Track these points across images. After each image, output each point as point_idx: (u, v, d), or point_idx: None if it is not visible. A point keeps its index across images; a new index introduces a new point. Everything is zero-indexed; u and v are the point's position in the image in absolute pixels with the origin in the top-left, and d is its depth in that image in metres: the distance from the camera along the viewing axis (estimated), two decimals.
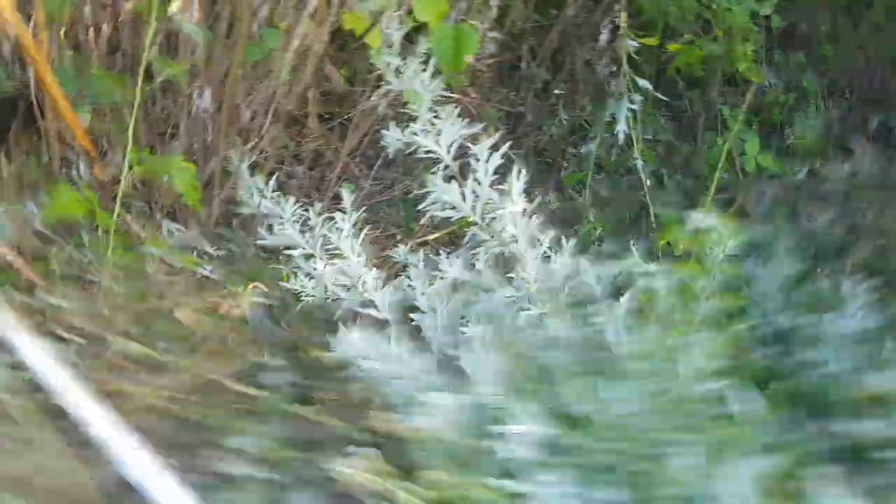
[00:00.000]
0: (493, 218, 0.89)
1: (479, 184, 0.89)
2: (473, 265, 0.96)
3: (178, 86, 1.25)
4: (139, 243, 1.17)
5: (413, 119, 0.97)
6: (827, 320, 0.88)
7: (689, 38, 1.91)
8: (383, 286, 0.98)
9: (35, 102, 1.08)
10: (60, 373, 0.95)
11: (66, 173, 1.19)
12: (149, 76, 1.15)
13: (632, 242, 1.13)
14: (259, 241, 1.10)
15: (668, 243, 1.70)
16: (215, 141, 1.28)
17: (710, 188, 1.73)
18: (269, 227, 1.14)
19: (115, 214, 0.93)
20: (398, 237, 1.68)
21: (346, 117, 1.75)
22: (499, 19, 1.75)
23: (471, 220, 0.92)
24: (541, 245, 0.90)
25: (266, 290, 1.32)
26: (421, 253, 1.24)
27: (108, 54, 1.08)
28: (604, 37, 1.77)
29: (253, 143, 1.30)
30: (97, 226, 1.24)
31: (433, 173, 0.92)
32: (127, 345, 1.10)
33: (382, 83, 1.53)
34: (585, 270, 0.89)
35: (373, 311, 0.92)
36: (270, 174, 1.59)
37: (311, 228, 1.07)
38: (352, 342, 0.92)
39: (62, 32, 0.98)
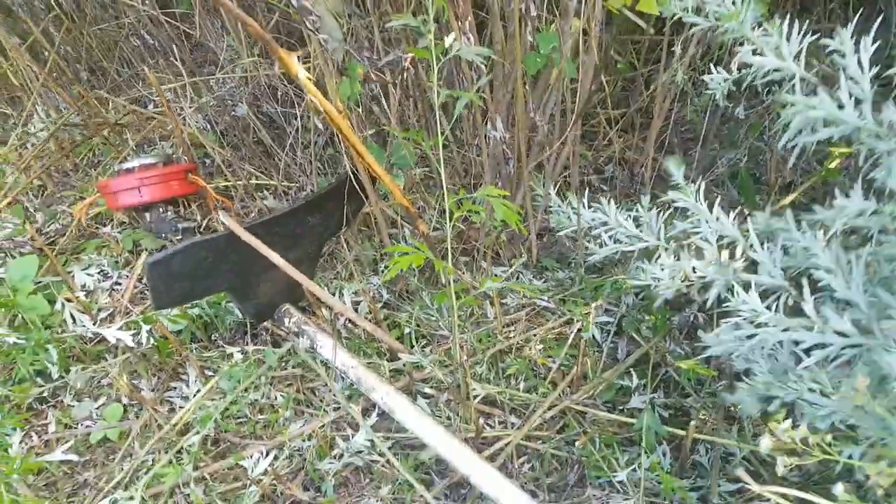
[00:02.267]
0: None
1: (857, 82, 0.63)
2: (879, 193, 0.69)
3: (469, 129, 1.22)
4: (474, 289, 1.13)
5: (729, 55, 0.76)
6: None
7: None
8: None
9: (356, 185, 1.14)
10: (433, 429, 0.92)
11: (394, 244, 1.22)
12: (445, 117, 1.13)
13: None
14: (589, 257, 0.97)
15: None
16: (517, 171, 1.21)
17: None
18: (596, 239, 1.00)
19: (450, 259, 0.89)
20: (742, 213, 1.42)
21: (637, 112, 1.57)
22: None
23: (856, 139, 0.67)
24: None
25: (607, 306, 1.18)
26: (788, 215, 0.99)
27: (399, 119, 1.09)
28: None
29: (555, 157, 1.20)
30: (432, 280, 1.25)
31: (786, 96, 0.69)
32: (486, 390, 1.05)
33: (675, 49, 1.33)
34: None
35: (755, 278, 0.70)
36: (581, 185, 1.48)
37: (643, 224, 0.91)
38: (723, 340, 0.72)
39: (361, 112, 1.00)
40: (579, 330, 1.14)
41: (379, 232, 1.25)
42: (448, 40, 0.91)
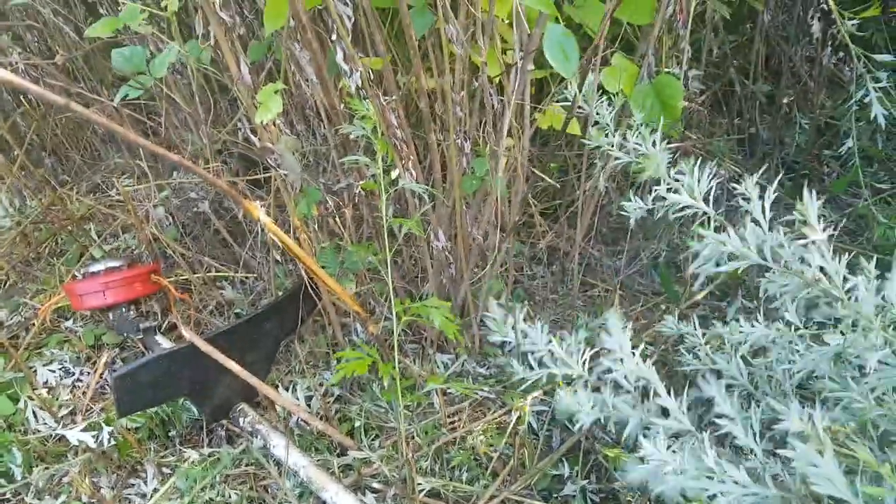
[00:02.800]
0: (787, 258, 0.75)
1: (758, 224, 0.75)
2: (777, 319, 0.81)
3: (416, 236, 1.32)
4: (420, 382, 1.22)
5: (654, 183, 0.88)
6: None
7: None
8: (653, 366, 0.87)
9: (310, 289, 1.22)
10: None
11: (346, 339, 1.31)
12: (392, 235, 1.23)
13: None
14: (517, 370, 1.07)
15: None
16: (458, 271, 1.32)
17: None
18: (525, 357, 1.11)
19: (396, 363, 0.97)
20: (662, 307, 1.56)
21: (569, 206, 1.71)
22: (694, 56, 1.61)
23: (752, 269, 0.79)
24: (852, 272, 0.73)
25: (543, 396, 1.29)
26: (695, 318, 1.11)
27: (355, 230, 1.18)
28: (815, 27, 1.52)
29: (491, 260, 1.32)
30: (382, 377, 1.33)
31: (697, 228, 0.82)
32: (431, 483, 1.12)
33: (597, 161, 1.48)
34: None
35: (664, 423, 0.81)
36: (515, 284, 1.60)
37: (570, 353, 1.01)
38: (646, 467, 0.81)
39: (315, 227, 1.10)
40: (518, 419, 1.23)
41: (332, 324, 1.33)
42: (394, 174, 1.02)
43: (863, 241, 1.59)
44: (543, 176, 1.41)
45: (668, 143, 1.03)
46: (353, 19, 0.89)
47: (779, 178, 0.86)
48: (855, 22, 1.49)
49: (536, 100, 1.42)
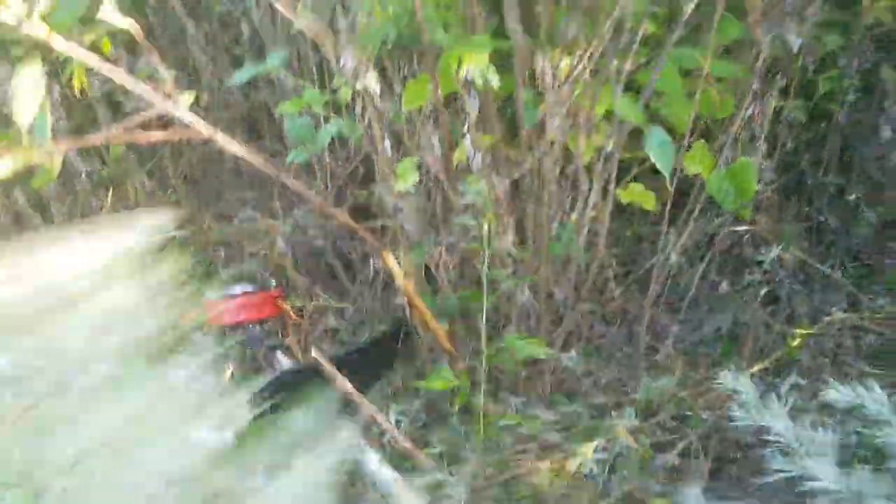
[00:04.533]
0: None
1: None
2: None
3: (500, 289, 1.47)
4: (497, 419, 1.35)
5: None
6: None
7: None
8: None
9: (411, 326, 1.39)
10: None
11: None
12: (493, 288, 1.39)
13: None
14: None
15: None
16: (537, 322, 1.45)
17: None
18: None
19: (482, 392, 1.11)
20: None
21: (642, 270, 1.82)
22: (769, 150, 1.71)
23: None
24: None
25: (605, 444, 1.38)
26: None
27: (458, 278, 1.34)
28: (886, 130, 1.60)
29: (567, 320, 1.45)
30: (463, 408, 1.47)
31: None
32: None
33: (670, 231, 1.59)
34: None
35: None
36: (586, 341, 1.71)
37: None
38: None
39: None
40: (580, 464, 1.34)
41: (422, 361, 1.49)
42: (495, 241, 1.17)
43: None
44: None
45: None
46: (479, 109, 1.06)
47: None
48: None
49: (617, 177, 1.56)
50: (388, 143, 1.07)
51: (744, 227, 1.70)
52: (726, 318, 1.69)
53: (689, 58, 1.39)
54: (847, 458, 1.20)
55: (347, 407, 1.32)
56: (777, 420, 1.25)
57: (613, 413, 1.44)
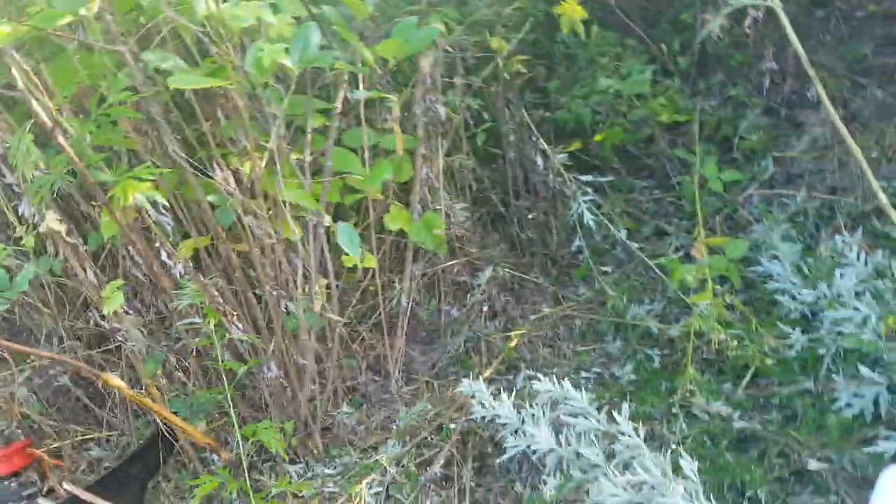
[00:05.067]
0: None
1: None
2: None
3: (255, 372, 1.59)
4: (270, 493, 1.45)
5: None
6: None
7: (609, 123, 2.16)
8: None
9: (167, 434, 1.43)
10: None
11: (206, 469, 1.50)
12: (234, 375, 1.49)
13: None
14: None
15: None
16: (293, 393, 1.58)
17: (699, 228, 1.89)
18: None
19: (247, 478, 1.21)
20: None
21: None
22: (458, 193, 2.06)
23: None
24: None
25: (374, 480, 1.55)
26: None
27: (202, 377, 1.42)
28: (539, 160, 2.02)
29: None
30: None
31: None
32: None
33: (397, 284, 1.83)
34: None
35: None
36: (353, 391, 1.87)
37: None
38: None
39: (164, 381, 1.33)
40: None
41: (191, 460, 1.53)
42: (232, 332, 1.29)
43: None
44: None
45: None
46: (171, 225, 1.19)
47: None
48: (563, 155, 2.02)
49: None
50: (90, 271, 1.14)
51: (457, 261, 2.02)
52: (460, 338, 1.97)
53: (356, 137, 1.66)
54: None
55: None
56: (505, 410, 1.53)
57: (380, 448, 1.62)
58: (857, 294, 1.60)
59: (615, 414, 1.34)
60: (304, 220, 1.48)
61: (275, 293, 1.41)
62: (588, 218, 1.92)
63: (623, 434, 1.27)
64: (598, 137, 2.09)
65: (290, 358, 1.50)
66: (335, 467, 1.62)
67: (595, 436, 1.36)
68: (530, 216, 2.29)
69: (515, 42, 1.92)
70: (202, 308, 1.25)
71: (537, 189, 2.24)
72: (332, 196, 1.48)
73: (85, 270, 1.12)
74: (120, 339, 1.20)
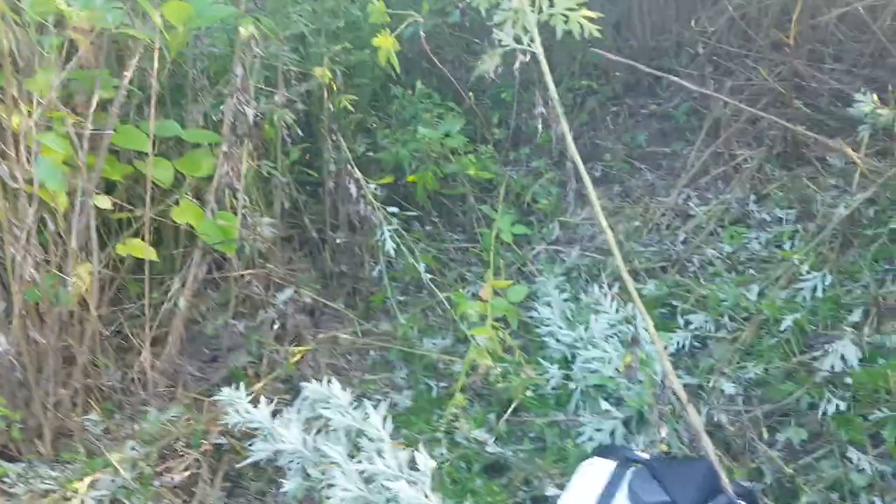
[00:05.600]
0: None
1: None
2: None
3: None
4: None
5: None
6: None
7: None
8: None
9: None
10: None
11: None
12: None
13: None
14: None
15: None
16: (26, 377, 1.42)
17: (490, 273, 2.02)
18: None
19: None
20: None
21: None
22: (268, 207, 2.05)
23: None
24: None
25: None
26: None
27: None
28: (353, 190, 2.08)
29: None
30: None
31: None
32: None
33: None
34: None
35: None
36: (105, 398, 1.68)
37: None
38: None
39: None
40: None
41: None
42: None
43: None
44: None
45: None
46: None
47: None
48: (375, 186, 2.10)
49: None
50: None
51: (252, 271, 1.97)
52: (242, 352, 1.90)
53: (166, 128, 1.63)
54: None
55: None
56: (260, 415, 1.48)
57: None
58: (606, 337, 1.78)
59: (370, 409, 1.36)
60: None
61: (22, 252, 1.29)
62: (390, 246, 1.99)
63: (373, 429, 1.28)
64: (411, 178, 2.20)
65: (28, 336, 1.36)
66: (63, 470, 1.46)
67: (347, 434, 1.35)
68: (340, 244, 2.31)
69: (341, 77, 2.01)
70: None
71: (351, 219, 2.29)
72: (110, 171, 1.41)
73: None
74: None
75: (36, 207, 1.33)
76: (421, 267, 2.07)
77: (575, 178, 2.32)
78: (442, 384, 1.91)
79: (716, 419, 1.56)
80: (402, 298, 2.16)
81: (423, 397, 1.88)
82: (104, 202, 1.53)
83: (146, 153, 1.57)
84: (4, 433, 1.39)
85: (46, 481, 1.37)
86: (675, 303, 1.90)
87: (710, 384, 1.65)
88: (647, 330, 1.28)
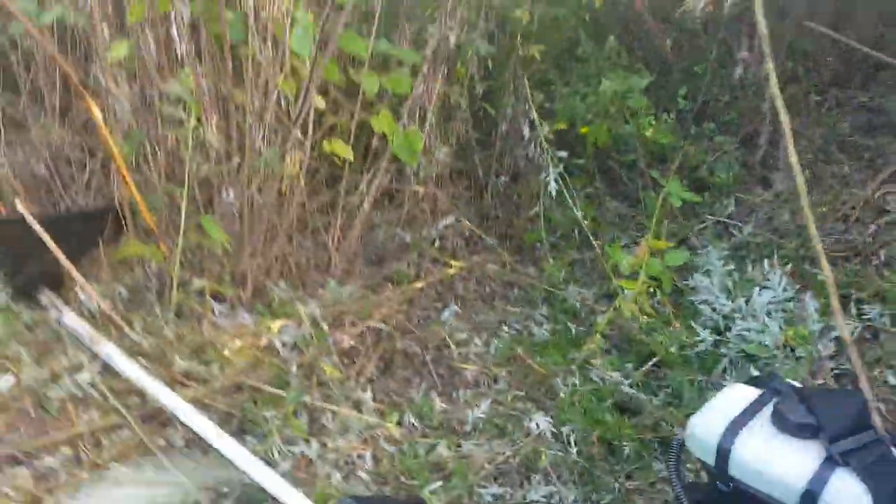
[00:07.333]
0: None
1: None
2: None
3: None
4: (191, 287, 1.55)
5: None
6: None
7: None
8: None
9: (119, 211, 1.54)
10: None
11: None
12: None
13: None
14: None
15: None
16: (243, 230, 1.69)
17: (649, 234, 2.05)
18: None
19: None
20: None
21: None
22: (446, 140, 2.21)
23: None
24: None
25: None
26: None
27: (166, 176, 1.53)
28: (526, 131, 2.20)
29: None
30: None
31: None
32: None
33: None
34: None
35: None
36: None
37: None
38: None
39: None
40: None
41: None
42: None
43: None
44: None
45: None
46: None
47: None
48: (548, 130, 2.20)
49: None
50: (106, 30, 1.28)
51: (422, 189, 2.15)
52: (405, 259, 2.11)
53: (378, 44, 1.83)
54: None
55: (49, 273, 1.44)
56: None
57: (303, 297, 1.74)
58: (770, 311, 1.77)
59: None
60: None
61: (254, 122, 1.53)
62: (552, 187, 2.09)
63: None
64: (583, 129, 2.26)
65: (250, 195, 1.62)
66: (258, 316, 1.72)
67: None
68: (501, 189, 2.42)
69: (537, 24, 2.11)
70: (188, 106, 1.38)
71: (517, 164, 2.40)
72: (329, 71, 1.63)
73: (102, 26, 1.26)
74: (110, 98, 1.32)
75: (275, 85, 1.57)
76: (579, 214, 2.13)
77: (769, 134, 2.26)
78: (580, 328, 1.97)
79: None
80: (553, 245, 2.24)
81: (561, 335, 1.95)
82: (320, 102, 1.77)
83: (360, 64, 1.79)
84: (219, 277, 1.68)
85: (246, 320, 1.65)
86: (851, 291, 1.84)
87: (874, 373, 1.61)
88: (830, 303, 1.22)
